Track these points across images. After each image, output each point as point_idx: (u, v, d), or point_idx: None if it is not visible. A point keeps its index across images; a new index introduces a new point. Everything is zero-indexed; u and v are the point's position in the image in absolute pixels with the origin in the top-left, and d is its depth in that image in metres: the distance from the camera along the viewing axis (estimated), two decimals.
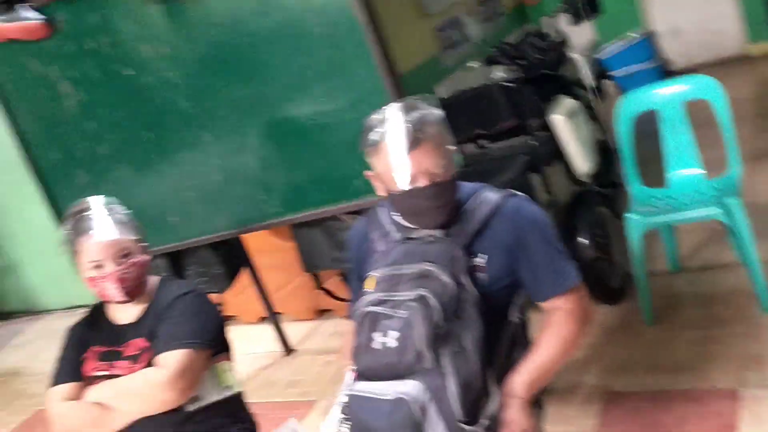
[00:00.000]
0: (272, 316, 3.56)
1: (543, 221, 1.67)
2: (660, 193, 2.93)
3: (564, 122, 2.83)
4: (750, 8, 5.61)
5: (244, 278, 3.35)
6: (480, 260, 1.62)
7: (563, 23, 5.43)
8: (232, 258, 2.89)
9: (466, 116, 2.87)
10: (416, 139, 1.55)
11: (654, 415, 2.35)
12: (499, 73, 3.87)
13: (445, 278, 1.54)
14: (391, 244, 1.69)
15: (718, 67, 5.59)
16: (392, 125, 1.58)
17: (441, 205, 1.60)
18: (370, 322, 1.57)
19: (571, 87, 3.26)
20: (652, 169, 2.99)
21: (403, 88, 2.17)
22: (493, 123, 2.82)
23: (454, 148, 1.65)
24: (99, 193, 2.81)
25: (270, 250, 3.58)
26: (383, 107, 1.64)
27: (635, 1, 6.11)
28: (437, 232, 1.63)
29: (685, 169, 2.92)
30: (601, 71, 5.88)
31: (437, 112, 1.62)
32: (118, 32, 2.48)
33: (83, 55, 2.58)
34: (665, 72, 6.08)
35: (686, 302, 2.91)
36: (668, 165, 2.94)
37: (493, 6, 5.82)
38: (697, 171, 2.90)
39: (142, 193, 2.73)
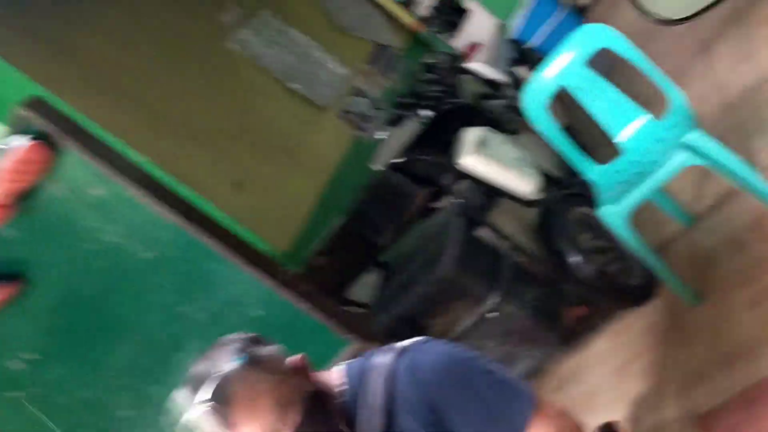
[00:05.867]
0: None
1: (449, 362, 1.27)
2: (621, 164, 2.50)
3: (474, 160, 2.45)
4: None
5: None
6: None
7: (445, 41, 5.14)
8: None
9: (381, 212, 2.53)
10: (223, 414, 1.21)
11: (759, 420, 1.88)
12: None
13: None
14: None
15: None
16: (192, 415, 1.23)
17: None
18: None
19: (474, 113, 2.89)
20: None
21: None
22: (408, 203, 2.45)
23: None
24: None
25: None
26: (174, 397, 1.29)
27: None
28: None
29: (629, 124, 2.50)
30: (522, 51, 5.51)
31: (236, 364, 1.25)
32: None
33: None
34: (579, 11, 5.70)
35: (721, 254, 2.42)
36: (611, 132, 2.51)
37: (385, 57, 5.56)
38: (644, 118, 2.47)
39: None
